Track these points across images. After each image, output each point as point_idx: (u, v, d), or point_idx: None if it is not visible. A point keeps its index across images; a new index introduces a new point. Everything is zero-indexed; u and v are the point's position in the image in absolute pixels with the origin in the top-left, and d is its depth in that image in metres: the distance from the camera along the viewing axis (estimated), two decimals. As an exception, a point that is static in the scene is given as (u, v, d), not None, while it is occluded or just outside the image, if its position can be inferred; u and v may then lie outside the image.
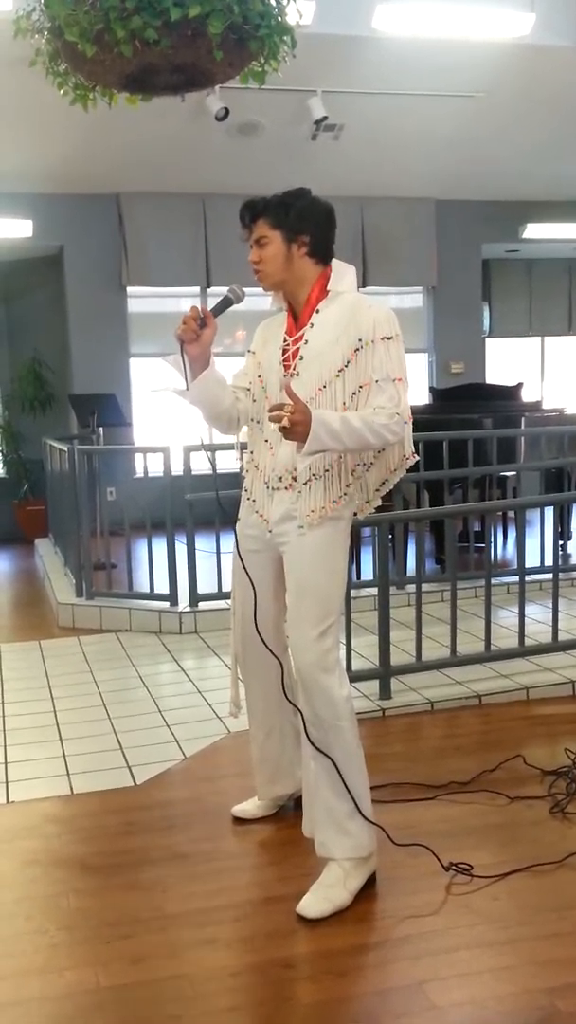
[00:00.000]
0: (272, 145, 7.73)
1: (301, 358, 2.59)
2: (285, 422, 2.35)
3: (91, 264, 8.75)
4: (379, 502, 2.75)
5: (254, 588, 2.72)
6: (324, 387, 2.54)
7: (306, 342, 2.59)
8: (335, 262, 2.65)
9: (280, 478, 2.62)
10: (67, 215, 8.56)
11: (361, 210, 9.08)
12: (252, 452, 2.75)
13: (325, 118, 7.31)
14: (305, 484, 2.56)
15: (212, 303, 2.67)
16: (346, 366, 2.53)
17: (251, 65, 3.66)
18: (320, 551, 2.56)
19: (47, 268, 9.17)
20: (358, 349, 2.52)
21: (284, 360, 2.63)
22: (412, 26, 6.19)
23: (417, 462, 5.70)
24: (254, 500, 2.73)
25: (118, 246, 8.77)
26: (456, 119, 7.66)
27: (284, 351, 2.64)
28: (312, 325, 2.59)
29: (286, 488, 2.61)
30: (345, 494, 2.59)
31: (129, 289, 8.95)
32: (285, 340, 2.65)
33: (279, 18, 3.53)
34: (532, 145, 8.27)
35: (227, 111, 6.96)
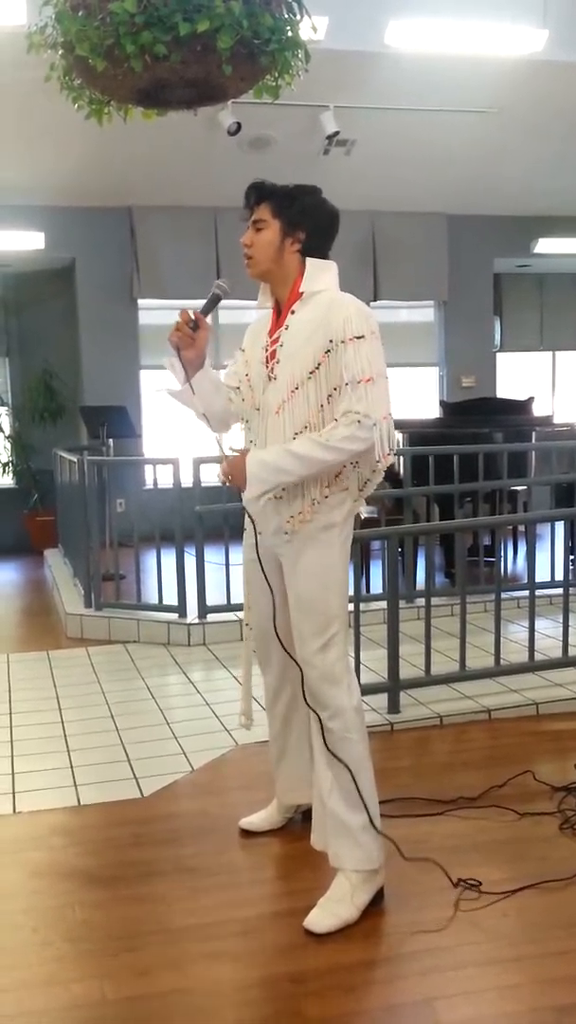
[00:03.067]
0: (284, 159, 7.74)
1: (277, 360, 2.55)
2: (221, 478, 2.46)
3: (102, 276, 8.78)
4: (364, 503, 2.70)
5: (273, 593, 2.66)
6: (296, 389, 2.49)
7: (281, 344, 2.55)
8: (310, 260, 2.55)
9: None
10: (79, 228, 8.59)
11: (372, 224, 9.04)
12: None
13: (337, 133, 7.34)
14: (283, 490, 2.51)
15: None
16: (317, 368, 2.47)
17: (264, 80, 3.66)
18: (315, 563, 2.53)
19: (59, 280, 9.21)
20: (329, 351, 2.45)
21: (265, 361, 2.60)
22: (424, 42, 6.21)
23: (428, 476, 5.79)
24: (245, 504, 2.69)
25: (129, 258, 8.81)
26: (468, 134, 7.68)
27: (265, 351, 2.61)
28: (287, 327, 2.55)
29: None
30: (327, 496, 2.52)
31: (140, 301, 8.97)
32: (266, 341, 2.63)
33: (290, 33, 3.52)
34: (544, 160, 8.29)
35: (239, 125, 6.99)
